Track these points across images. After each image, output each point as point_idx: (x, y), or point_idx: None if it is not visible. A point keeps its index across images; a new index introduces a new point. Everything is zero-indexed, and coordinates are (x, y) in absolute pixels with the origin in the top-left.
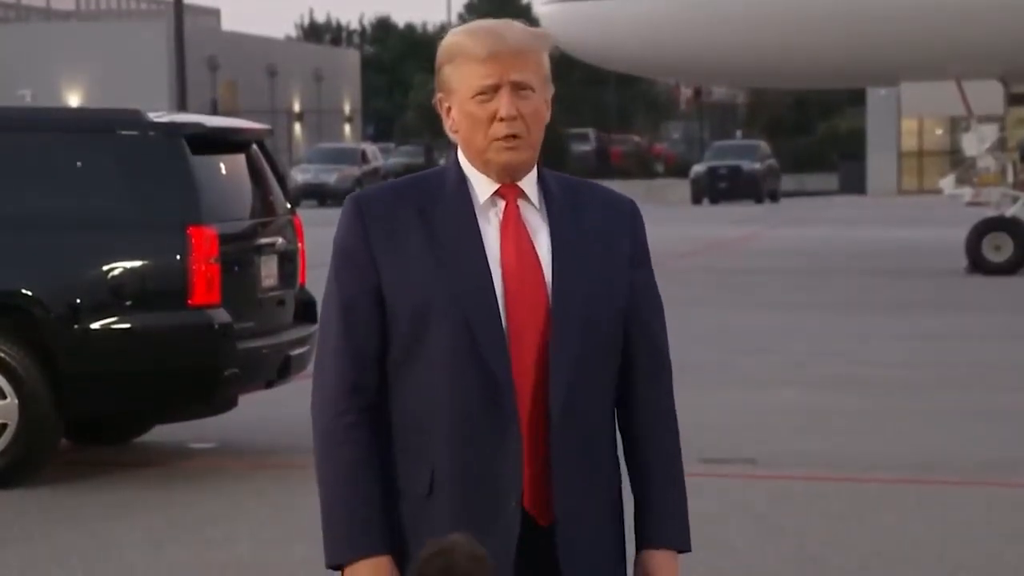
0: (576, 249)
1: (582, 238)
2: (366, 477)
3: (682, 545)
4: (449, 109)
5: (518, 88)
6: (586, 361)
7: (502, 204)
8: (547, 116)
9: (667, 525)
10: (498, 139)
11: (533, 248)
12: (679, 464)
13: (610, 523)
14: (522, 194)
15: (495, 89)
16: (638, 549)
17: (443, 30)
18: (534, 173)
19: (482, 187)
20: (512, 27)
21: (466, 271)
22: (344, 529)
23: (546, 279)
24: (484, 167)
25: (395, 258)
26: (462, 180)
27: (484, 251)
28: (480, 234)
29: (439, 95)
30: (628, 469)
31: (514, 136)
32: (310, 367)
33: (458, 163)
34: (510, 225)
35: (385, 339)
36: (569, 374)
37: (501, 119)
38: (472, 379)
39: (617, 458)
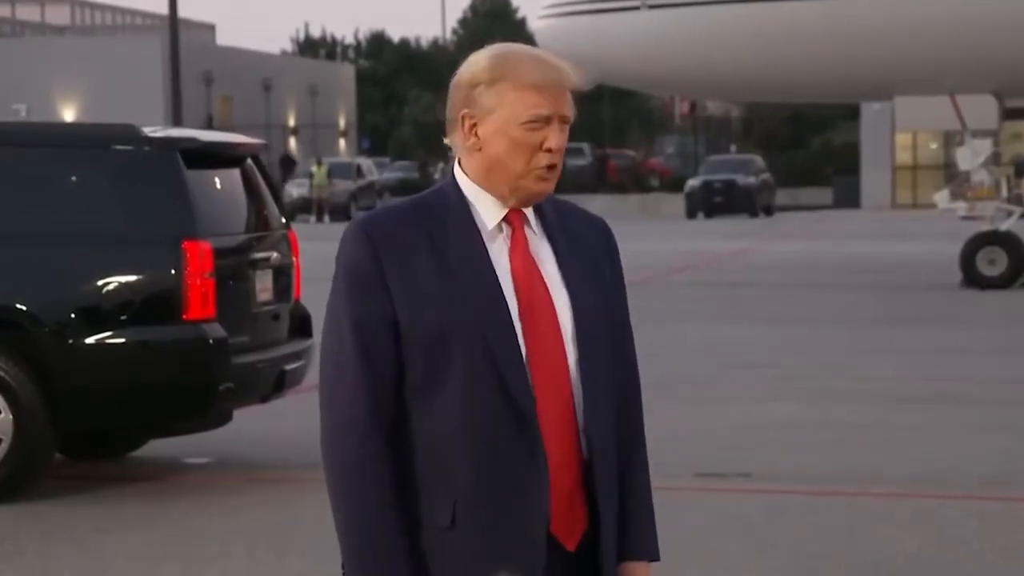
0: (580, 272)
1: (581, 260)
2: (394, 509)
3: (656, 556)
4: (474, 127)
5: (563, 122)
6: (605, 382)
7: (509, 230)
8: None
9: (646, 538)
10: (538, 168)
11: (541, 275)
12: (648, 478)
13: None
14: (527, 220)
15: (547, 120)
16: (618, 560)
17: (437, 45)
18: None
19: (489, 212)
20: (560, 59)
21: (481, 297)
22: (373, 564)
23: (555, 303)
24: (510, 192)
25: (407, 283)
26: (465, 204)
27: (497, 277)
28: (492, 260)
29: (465, 111)
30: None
31: (553, 167)
32: (305, 382)
33: (457, 185)
34: (519, 251)
35: (401, 364)
36: (601, 399)
37: (548, 150)
38: (493, 405)
39: None
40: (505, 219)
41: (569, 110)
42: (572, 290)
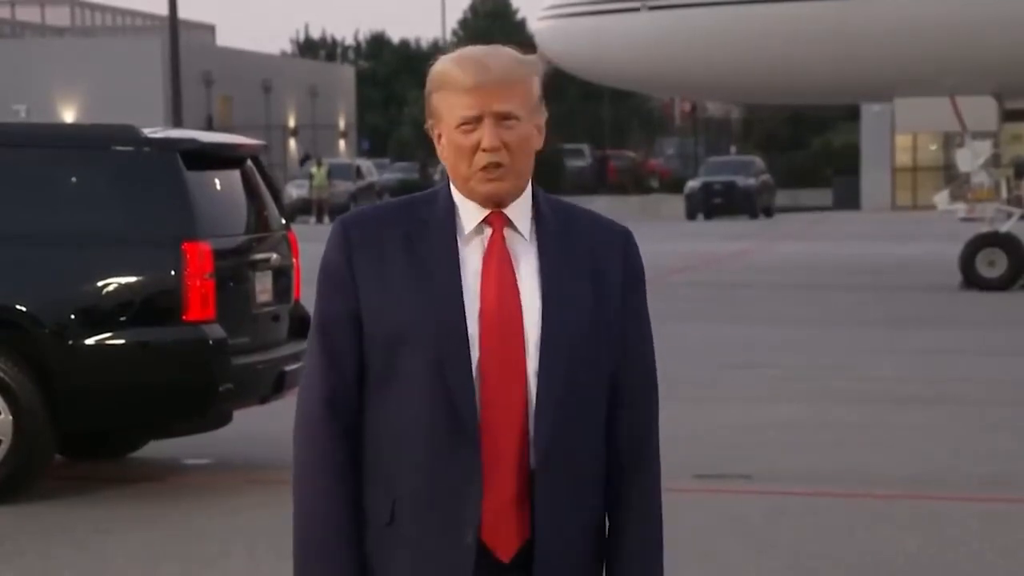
0: (566, 280)
1: (573, 267)
2: (346, 507)
3: None
4: (440, 135)
5: (502, 119)
6: (573, 395)
7: (488, 232)
8: (539, 142)
9: (641, 567)
10: (480, 169)
11: (515, 282)
12: (657, 499)
13: (591, 559)
14: (509, 223)
15: (478, 120)
16: None
17: (437, 46)
18: (527, 198)
19: (469, 215)
20: (499, 55)
21: (440, 304)
22: (319, 557)
23: (525, 314)
24: (469, 195)
25: (376, 283)
26: (451, 206)
27: (461, 284)
28: (459, 265)
29: (430, 121)
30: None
31: (497, 165)
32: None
33: (449, 188)
34: (493, 256)
35: (362, 363)
36: (555, 410)
37: (484, 150)
38: (437, 412)
39: (602, 490)
40: (486, 222)
41: (509, 105)
42: (548, 296)
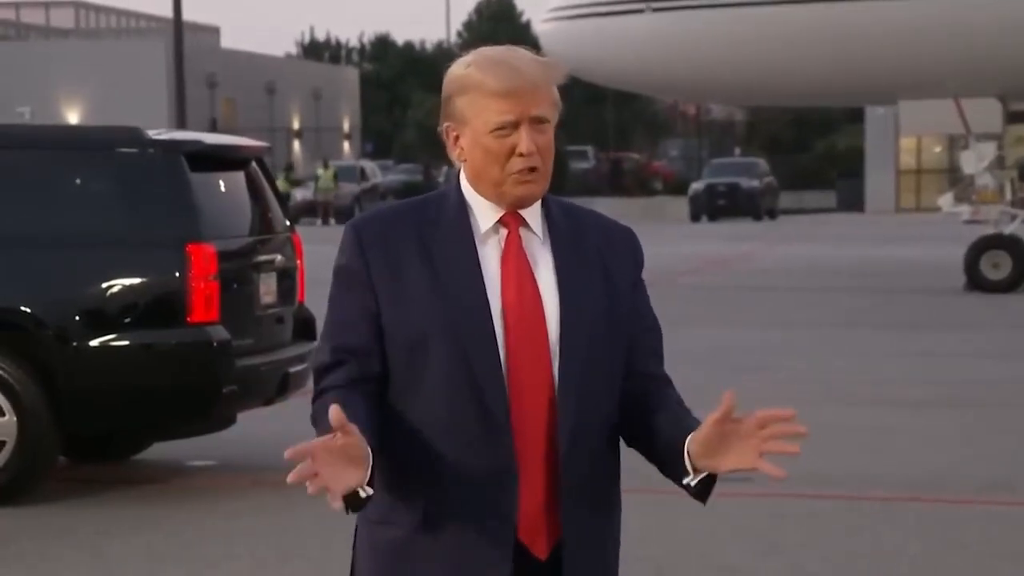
0: (580, 279)
1: (585, 267)
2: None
3: None
4: (457, 138)
5: (536, 122)
6: (591, 392)
7: (504, 233)
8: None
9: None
10: (515, 173)
11: (534, 280)
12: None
13: (612, 550)
14: (524, 223)
15: (515, 125)
16: (681, 440)
17: (442, 48)
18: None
19: (485, 215)
20: (525, 59)
21: (464, 302)
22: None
23: (546, 311)
24: (497, 198)
25: (394, 285)
26: (463, 207)
27: (483, 282)
28: (480, 264)
29: (446, 124)
30: (643, 431)
31: (532, 170)
32: (309, 384)
33: (460, 188)
34: (511, 256)
35: (384, 364)
36: (576, 406)
37: (521, 154)
38: (469, 412)
39: (619, 487)
40: (501, 222)
41: (542, 109)
42: (566, 295)
